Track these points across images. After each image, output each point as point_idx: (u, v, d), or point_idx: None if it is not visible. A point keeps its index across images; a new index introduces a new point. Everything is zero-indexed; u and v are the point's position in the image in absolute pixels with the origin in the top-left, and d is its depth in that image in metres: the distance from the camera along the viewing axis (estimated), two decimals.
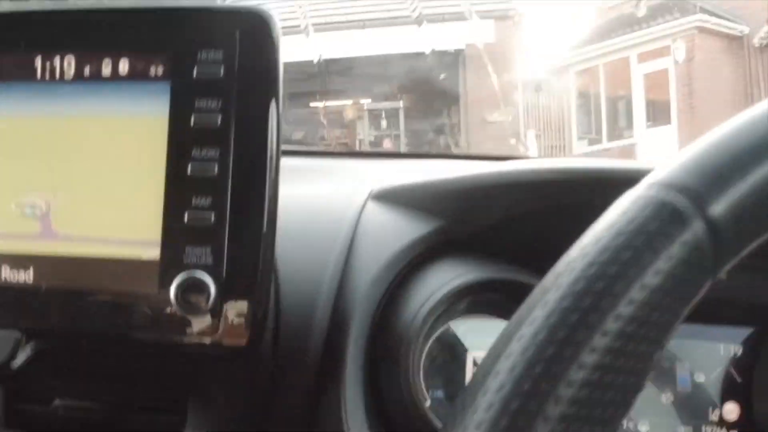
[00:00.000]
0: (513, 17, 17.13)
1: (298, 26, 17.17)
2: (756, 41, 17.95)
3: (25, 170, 0.90)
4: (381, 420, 0.96)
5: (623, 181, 0.55)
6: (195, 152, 0.87)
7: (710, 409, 1.04)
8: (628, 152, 18.86)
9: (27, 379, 1.02)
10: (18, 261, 0.88)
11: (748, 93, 18.19)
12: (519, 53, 17.36)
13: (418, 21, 16.91)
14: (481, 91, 16.88)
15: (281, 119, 0.90)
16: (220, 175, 0.86)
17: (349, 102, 21.76)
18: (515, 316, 0.52)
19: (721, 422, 1.04)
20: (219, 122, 0.86)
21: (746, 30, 18.16)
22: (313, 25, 17.25)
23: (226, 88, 0.87)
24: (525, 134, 17.22)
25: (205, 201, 0.86)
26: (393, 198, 1.16)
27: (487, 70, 16.57)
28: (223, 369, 1.02)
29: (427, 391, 0.96)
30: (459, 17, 16.86)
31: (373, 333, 0.98)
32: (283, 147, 0.89)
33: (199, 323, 0.85)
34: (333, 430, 0.96)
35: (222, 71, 0.87)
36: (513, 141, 16.82)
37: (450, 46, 16.97)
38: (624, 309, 0.48)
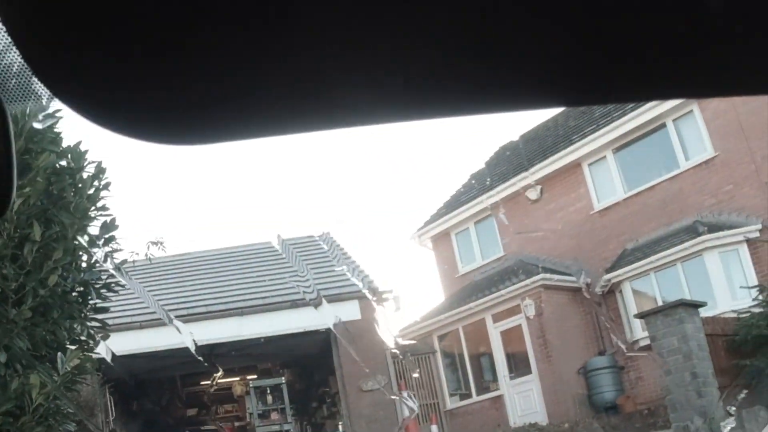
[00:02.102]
0: (374, 296, 18.58)
1: (187, 315, 18.28)
2: (598, 290, 19.68)
3: None
4: None
5: None
6: None
7: None
8: (498, 403, 19.92)
9: None
10: None
11: (598, 336, 19.78)
12: (384, 325, 18.65)
13: (292, 306, 18.21)
14: (353, 363, 18.02)
15: None
16: None
17: (236, 379, 22.64)
18: None
19: None
20: None
21: (588, 281, 19.90)
22: (200, 314, 18.33)
23: None
24: (402, 395, 18.10)
25: None
26: None
27: (357, 344, 17.89)
28: None
29: None
30: (327, 300, 18.28)
31: None
32: None
33: None
34: None
35: None
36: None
37: (321, 326, 18.16)
38: None
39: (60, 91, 0.66)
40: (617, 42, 0.69)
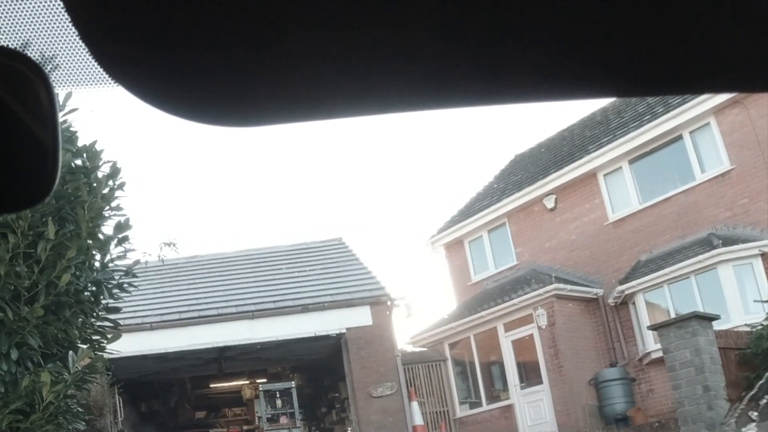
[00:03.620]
0: (386, 302, 18.60)
1: (198, 317, 18.36)
2: (611, 301, 19.66)
3: None
4: None
5: None
6: None
7: None
8: (508, 412, 19.88)
9: None
10: None
11: (610, 347, 19.74)
12: (396, 332, 18.70)
13: (303, 310, 18.25)
14: (364, 369, 18.05)
15: None
16: None
17: (246, 382, 22.69)
18: None
19: None
20: None
21: (600, 292, 19.97)
22: (211, 316, 18.39)
23: None
24: (409, 406, 18.12)
25: None
26: None
27: (368, 349, 17.92)
28: None
29: None
30: (338, 305, 18.31)
31: None
32: None
33: None
34: None
35: None
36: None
37: (332, 330, 18.20)
38: None
39: (119, 76, 0.71)
40: (667, 33, 0.69)
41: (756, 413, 11.71)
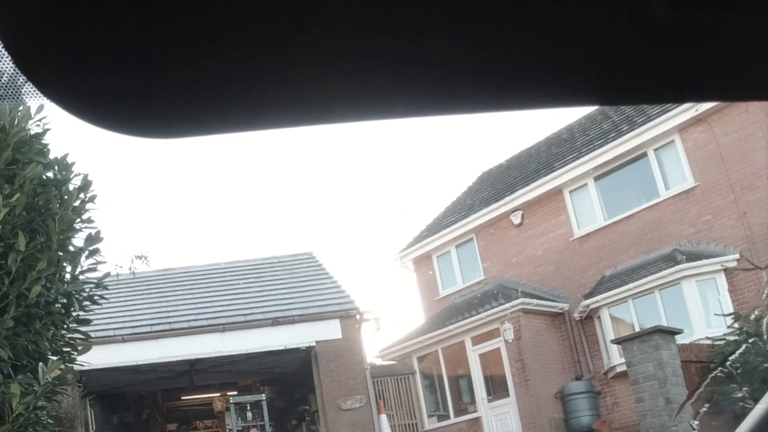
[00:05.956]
0: (355, 316, 18.76)
1: (169, 329, 18.40)
2: (576, 315, 19.91)
3: None
4: None
5: None
6: None
7: None
8: (475, 425, 20.05)
9: None
10: None
11: (576, 361, 19.98)
12: (365, 345, 18.88)
13: (273, 323, 18.35)
14: (333, 382, 18.18)
15: None
16: None
17: (217, 394, 22.73)
18: None
19: None
20: None
21: (566, 306, 20.22)
22: (182, 329, 18.43)
23: None
24: (378, 419, 18.25)
25: None
26: None
27: (338, 362, 18.06)
28: None
29: None
30: (308, 318, 18.44)
31: None
32: None
33: None
34: None
35: None
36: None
37: (302, 344, 18.31)
38: None
39: (48, 89, 0.70)
40: (648, 40, 0.70)
41: (696, 422, 11.97)
